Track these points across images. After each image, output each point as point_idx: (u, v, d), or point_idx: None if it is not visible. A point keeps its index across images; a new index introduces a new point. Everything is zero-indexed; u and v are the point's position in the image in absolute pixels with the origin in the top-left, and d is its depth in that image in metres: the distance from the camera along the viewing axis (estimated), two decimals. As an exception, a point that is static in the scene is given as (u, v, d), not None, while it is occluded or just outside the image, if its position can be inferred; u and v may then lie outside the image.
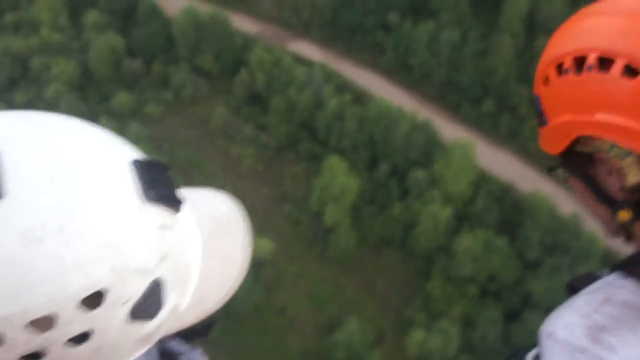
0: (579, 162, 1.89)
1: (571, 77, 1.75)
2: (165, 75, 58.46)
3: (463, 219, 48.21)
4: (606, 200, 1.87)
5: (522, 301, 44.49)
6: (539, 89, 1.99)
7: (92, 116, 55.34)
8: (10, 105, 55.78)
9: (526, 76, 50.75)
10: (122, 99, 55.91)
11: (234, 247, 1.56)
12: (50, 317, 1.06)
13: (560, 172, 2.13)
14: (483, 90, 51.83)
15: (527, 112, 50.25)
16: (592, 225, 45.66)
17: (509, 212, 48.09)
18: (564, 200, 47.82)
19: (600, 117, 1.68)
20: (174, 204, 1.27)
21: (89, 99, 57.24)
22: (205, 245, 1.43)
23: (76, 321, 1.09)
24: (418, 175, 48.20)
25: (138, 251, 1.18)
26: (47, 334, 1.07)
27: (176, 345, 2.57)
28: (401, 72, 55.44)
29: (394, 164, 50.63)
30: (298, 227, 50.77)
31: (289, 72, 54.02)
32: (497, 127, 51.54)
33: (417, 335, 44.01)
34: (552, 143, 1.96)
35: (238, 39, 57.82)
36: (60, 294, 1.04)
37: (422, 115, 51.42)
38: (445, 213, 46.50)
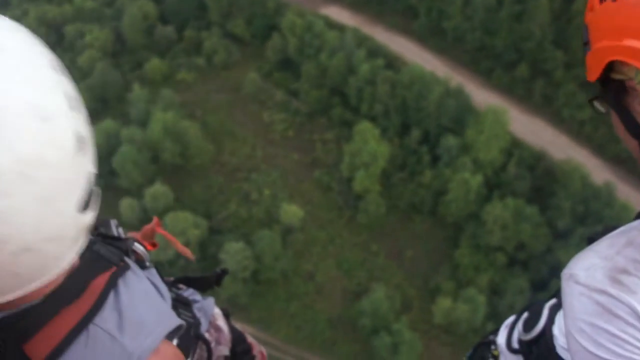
0: (614, 91, 1.92)
1: (609, 4, 1.81)
2: (197, 41, 58.63)
3: (494, 186, 47.83)
4: (635, 131, 1.88)
5: (551, 271, 44.14)
6: (587, 16, 2.04)
7: (125, 83, 56.18)
8: (45, 73, 56.63)
9: (562, 40, 49.57)
10: (154, 65, 56.39)
11: None
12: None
13: (598, 103, 2.15)
14: (517, 55, 50.78)
15: (562, 78, 49.18)
16: (626, 193, 44.95)
17: (541, 180, 47.49)
18: (597, 168, 47.03)
19: (628, 42, 1.74)
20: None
21: (122, 66, 57.86)
22: None
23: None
24: (449, 141, 47.82)
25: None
26: None
27: (191, 294, 2.82)
28: (434, 36, 54.59)
29: (425, 130, 50.27)
30: (328, 194, 51.00)
31: (320, 37, 53.69)
32: (531, 93, 50.58)
33: (444, 303, 44.24)
34: (591, 69, 2.00)
35: (270, 4, 57.51)
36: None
37: (454, 81, 50.77)
38: (476, 180, 46.18)
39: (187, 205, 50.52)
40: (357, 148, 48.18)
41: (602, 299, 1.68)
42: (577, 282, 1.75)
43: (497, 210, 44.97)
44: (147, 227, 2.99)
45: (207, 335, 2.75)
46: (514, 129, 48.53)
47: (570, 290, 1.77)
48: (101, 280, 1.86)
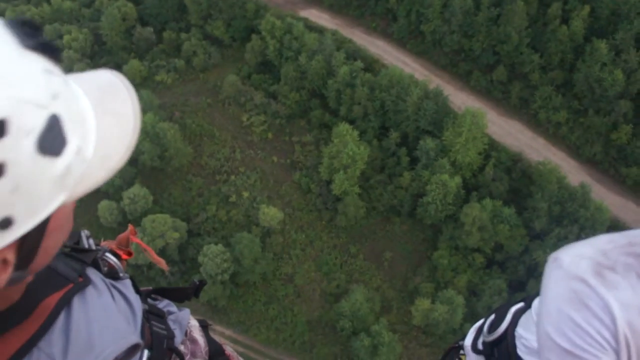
0: None
1: None
2: (176, 43, 58.48)
3: (472, 188, 48.19)
4: None
5: (528, 271, 44.62)
6: None
7: (103, 85, 55.70)
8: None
9: (539, 44, 50.04)
10: (133, 66, 56.05)
11: (124, 105, 1.62)
12: None
13: None
14: (495, 57, 51.21)
15: (538, 80, 49.68)
16: (601, 194, 45.52)
17: (518, 182, 47.93)
18: (573, 170, 47.56)
19: None
20: (52, 51, 1.37)
21: (101, 67, 56.94)
22: (96, 106, 1.54)
23: None
24: (428, 144, 48.04)
25: (28, 86, 1.28)
26: None
27: (166, 306, 2.76)
28: (413, 39, 54.88)
29: (404, 132, 50.53)
30: (307, 196, 51.05)
31: (300, 39, 53.68)
32: (508, 95, 51.05)
33: (423, 305, 44.44)
34: None
35: (249, 6, 57.42)
36: None
37: (433, 83, 51.05)
38: (455, 182, 46.45)
39: (166, 207, 50.32)
40: (336, 150, 48.27)
41: (579, 287, 1.66)
42: (560, 267, 1.74)
43: (475, 212, 45.28)
44: (122, 235, 2.88)
45: (182, 347, 2.68)
46: (491, 131, 48.93)
47: (551, 273, 1.76)
48: (52, 299, 1.78)
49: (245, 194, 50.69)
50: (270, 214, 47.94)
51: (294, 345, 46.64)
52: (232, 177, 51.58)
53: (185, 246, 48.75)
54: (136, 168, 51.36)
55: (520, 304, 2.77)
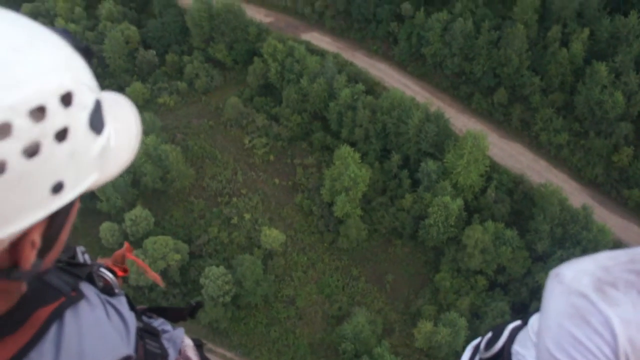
0: None
1: None
2: (179, 65, 58.83)
3: (473, 210, 48.15)
4: None
5: (531, 293, 44.44)
6: None
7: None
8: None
9: (539, 66, 50.34)
10: (136, 89, 56.31)
11: (129, 115, 1.89)
12: (43, 107, 1.42)
13: None
14: (495, 80, 51.50)
15: (539, 103, 49.89)
16: (603, 216, 45.48)
17: (520, 204, 47.91)
18: (575, 192, 47.57)
19: None
20: (89, 56, 1.65)
21: (104, 90, 57.45)
22: (109, 113, 1.73)
23: (58, 114, 1.44)
24: (429, 166, 48.08)
25: (84, 72, 1.56)
26: (41, 125, 1.41)
27: (160, 324, 2.72)
28: (414, 62, 55.25)
29: (405, 154, 50.63)
30: (309, 218, 51.01)
31: (301, 62, 54.03)
32: (509, 118, 51.25)
33: (425, 327, 44.15)
34: None
35: (252, 29, 57.85)
36: (46, 88, 1.43)
37: (434, 106, 51.28)
38: (456, 204, 46.42)
39: (167, 229, 50.25)
40: (338, 172, 48.32)
41: (580, 302, 1.63)
42: (561, 282, 1.70)
43: (477, 234, 45.20)
44: (118, 252, 2.93)
45: None
46: (493, 153, 49.03)
47: (552, 288, 1.73)
48: (45, 312, 1.81)
49: (247, 216, 50.67)
50: (272, 236, 47.87)
51: (296, 368, 46.38)
52: (234, 199, 51.60)
53: (186, 268, 48.62)
54: (138, 190, 51.40)
55: (518, 322, 2.76)
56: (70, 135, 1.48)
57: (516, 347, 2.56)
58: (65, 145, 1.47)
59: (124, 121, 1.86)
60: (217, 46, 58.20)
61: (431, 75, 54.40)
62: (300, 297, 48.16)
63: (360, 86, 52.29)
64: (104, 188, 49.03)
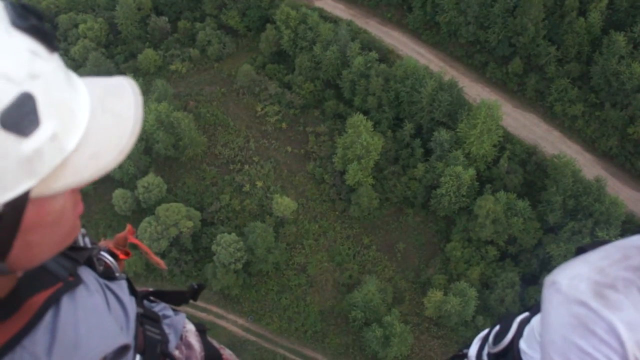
0: None
1: None
2: (191, 32, 58.51)
3: (485, 180, 48.02)
4: None
5: (541, 264, 44.46)
6: None
7: (118, 73, 55.93)
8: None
9: (556, 36, 49.65)
10: (148, 56, 56.18)
11: (125, 107, 1.63)
12: None
13: None
14: (511, 49, 50.85)
15: (555, 73, 49.31)
16: (616, 188, 45.24)
17: (532, 174, 47.70)
18: (589, 164, 47.27)
19: None
20: (44, 36, 1.40)
21: (116, 56, 57.63)
22: (96, 104, 1.56)
23: None
24: (442, 135, 47.85)
25: (7, 61, 1.32)
26: None
27: (162, 310, 2.74)
28: (428, 30, 54.65)
29: (418, 123, 50.38)
30: (321, 186, 51.08)
31: (314, 29, 53.56)
32: (524, 88, 50.74)
33: (435, 296, 44.44)
34: None
35: (264, -4, 57.41)
36: None
37: (448, 75, 50.82)
38: (468, 174, 46.30)
39: (179, 196, 50.53)
40: (350, 141, 48.21)
41: (580, 311, 1.58)
42: (558, 291, 1.64)
43: (489, 204, 45.13)
44: (120, 235, 2.83)
45: (176, 352, 2.65)
46: (506, 123, 48.70)
47: (550, 298, 1.67)
48: (39, 298, 1.76)
49: (259, 184, 50.83)
50: (284, 203, 48.03)
51: (306, 335, 46.82)
52: (246, 166, 51.71)
53: (198, 235, 48.96)
54: (150, 157, 51.57)
55: (526, 314, 2.70)
56: None
57: (523, 346, 2.51)
58: None
59: (116, 116, 1.61)
60: (229, 13, 57.77)
61: (445, 43, 53.82)
62: (311, 264, 48.47)
63: (374, 54, 51.84)
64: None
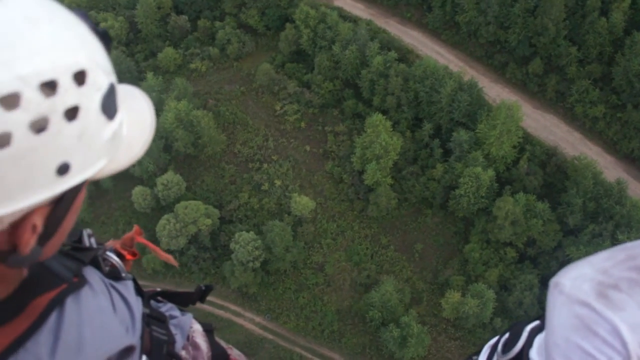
0: None
1: None
2: (211, 31, 58.71)
3: (505, 182, 47.76)
4: None
5: (561, 267, 43.14)
6: None
7: (138, 71, 56.34)
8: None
9: (577, 36, 49.27)
10: (168, 54, 56.48)
11: (144, 107, 1.88)
12: (55, 82, 1.40)
13: None
14: (531, 50, 50.55)
15: (575, 74, 48.94)
16: (638, 191, 44.83)
17: (552, 176, 47.37)
18: (610, 166, 46.86)
19: None
20: (108, 42, 1.65)
21: (136, 55, 57.99)
22: (124, 104, 1.73)
23: (70, 92, 1.44)
24: (461, 136, 47.70)
25: (100, 55, 1.56)
26: (51, 100, 1.40)
27: (169, 310, 2.74)
28: (448, 30, 54.46)
29: (437, 124, 50.24)
30: (339, 186, 51.09)
31: (334, 28, 53.60)
32: (544, 88, 50.39)
33: (453, 297, 44.28)
34: None
35: (284, -5, 57.51)
36: (60, 63, 1.41)
37: (467, 75, 50.61)
38: (488, 175, 46.09)
39: (198, 194, 50.77)
40: (369, 140, 48.16)
41: (583, 312, 1.55)
42: (561, 292, 1.62)
43: (508, 206, 44.90)
44: (127, 235, 2.89)
45: (183, 353, 2.66)
46: (526, 124, 48.42)
47: (553, 299, 1.65)
48: (44, 299, 1.77)
49: (278, 182, 50.94)
50: (302, 202, 48.11)
51: (323, 334, 46.87)
52: (265, 165, 51.84)
53: (217, 233, 49.17)
54: (170, 155, 51.86)
55: (536, 322, 2.65)
56: (81, 115, 1.47)
57: (533, 355, 2.48)
58: (75, 124, 1.46)
59: (138, 113, 1.85)
60: (249, 12, 57.95)
61: (465, 43, 53.60)
62: (329, 264, 48.50)
63: (393, 54, 51.76)
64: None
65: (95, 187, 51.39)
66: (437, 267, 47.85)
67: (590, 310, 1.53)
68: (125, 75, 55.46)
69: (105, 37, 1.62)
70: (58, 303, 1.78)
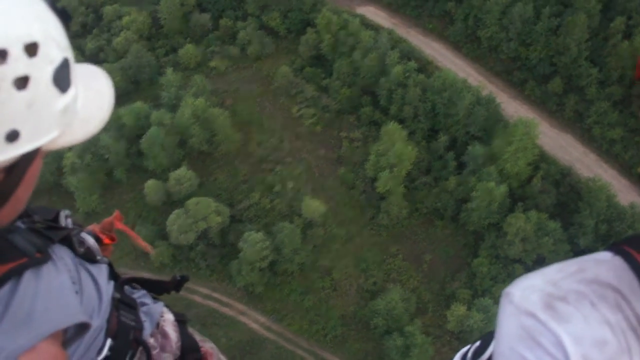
0: None
1: None
2: (232, 30, 58.96)
3: (518, 198, 47.58)
4: None
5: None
6: None
7: (158, 66, 56.63)
8: (82, 52, 57.46)
9: (598, 58, 49.22)
10: (188, 51, 56.75)
11: (103, 85, 1.98)
12: (5, 52, 1.50)
13: None
14: (551, 68, 50.52)
15: (595, 95, 48.85)
16: (651, 216, 44.58)
17: (566, 196, 47.18)
18: (625, 189, 46.65)
19: None
20: (66, 19, 1.76)
21: (157, 50, 58.30)
22: (83, 82, 1.86)
23: (20, 61, 1.52)
24: (477, 150, 47.64)
25: (56, 29, 1.66)
26: (1, 68, 1.49)
27: (141, 297, 2.77)
28: (469, 43, 54.49)
29: (453, 136, 50.20)
30: (352, 192, 51.04)
31: (355, 35, 53.72)
32: (563, 108, 50.31)
33: (458, 310, 44.08)
34: None
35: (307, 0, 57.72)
36: (11, 33, 1.51)
37: (486, 90, 50.64)
38: (501, 191, 45.96)
39: (210, 191, 50.83)
40: (384, 148, 48.17)
41: (529, 322, 1.54)
42: (511, 302, 1.60)
43: (520, 222, 44.78)
44: (107, 220, 2.89)
45: (151, 340, 2.67)
46: (542, 142, 48.30)
47: (503, 309, 1.64)
48: (0, 270, 1.79)
49: (290, 185, 50.94)
50: (313, 206, 48.10)
51: (326, 338, 46.70)
52: (278, 166, 51.86)
53: (226, 231, 49.17)
54: (184, 150, 52.01)
55: None
56: (31, 85, 1.54)
57: None
58: (24, 93, 1.53)
59: (97, 92, 1.95)
60: (271, 14, 58.22)
61: (486, 58, 53.61)
62: (337, 269, 48.40)
63: (413, 64, 51.82)
64: (151, 146, 49.77)
65: (108, 178, 51.66)
66: (445, 279, 47.67)
67: (535, 321, 1.52)
68: (145, 69, 55.84)
69: (64, 15, 1.72)
70: (13, 275, 1.80)
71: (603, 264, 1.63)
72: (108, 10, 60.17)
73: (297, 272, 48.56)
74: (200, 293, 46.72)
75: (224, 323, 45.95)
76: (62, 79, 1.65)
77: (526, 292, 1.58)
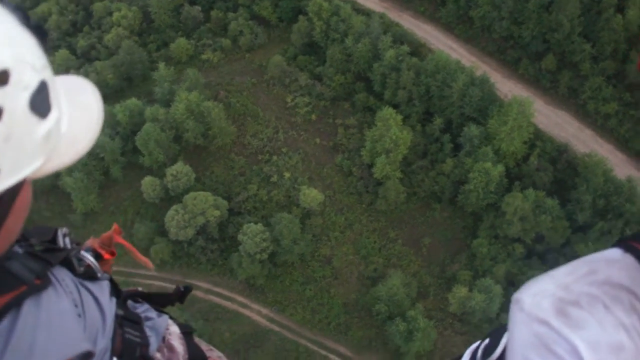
0: None
1: None
2: (223, 22, 58.68)
3: (515, 178, 47.55)
4: None
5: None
6: None
7: (150, 62, 56.51)
8: (73, 51, 57.36)
9: (591, 33, 48.86)
10: (180, 45, 56.56)
11: (91, 101, 1.85)
12: None
13: None
14: (544, 46, 50.18)
15: (589, 70, 48.56)
16: (648, 189, 44.46)
17: (563, 173, 47.09)
18: (621, 163, 46.50)
19: None
20: (41, 35, 1.60)
21: (148, 45, 58.12)
22: (67, 98, 1.72)
23: None
24: (472, 131, 47.48)
25: (28, 51, 1.50)
26: None
27: (145, 311, 2.72)
28: (461, 24, 54.15)
29: (448, 118, 50.04)
30: (348, 179, 51.03)
31: (347, 21, 53.42)
32: (557, 85, 50.05)
33: (460, 292, 44.19)
34: None
35: (297, -14, 57.40)
36: None
37: (480, 70, 50.34)
38: (497, 171, 45.91)
39: (207, 185, 50.88)
40: (379, 134, 48.07)
41: (542, 330, 1.50)
42: (521, 309, 1.56)
43: (517, 202, 44.72)
44: (105, 235, 2.81)
45: (157, 355, 2.62)
46: (538, 120, 48.14)
47: (514, 316, 1.60)
48: None
49: (287, 175, 50.96)
50: (311, 195, 48.12)
51: (329, 327, 46.93)
52: (274, 157, 51.86)
53: (225, 224, 49.28)
54: (180, 145, 51.98)
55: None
56: (5, 117, 1.40)
57: None
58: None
59: (84, 108, 1.80)
60: (262, 3, 57.92)
61: (478, 38, 53.31)
62: (337, 257, 48.52)
63: (405, 47, 51.58)
64: (146, 143, 49.76)
65: (105, 177, 51.72)
66: (445, 262, 47.75)
67: (549, 328, 1.49)
68: (137, 65, 55.72)
69: (39, 31, 1.57)
70: (13, 306, 1.73)
71: (614, 263, 1.60)
72: (98, 6, 59.92)
73: (298, 262, 48.70)
74: (202, 288, 46.91)
75: (226, 317, 46.19)
76: (40, 104, 1.51)
77: (537, 298, 1.55)
